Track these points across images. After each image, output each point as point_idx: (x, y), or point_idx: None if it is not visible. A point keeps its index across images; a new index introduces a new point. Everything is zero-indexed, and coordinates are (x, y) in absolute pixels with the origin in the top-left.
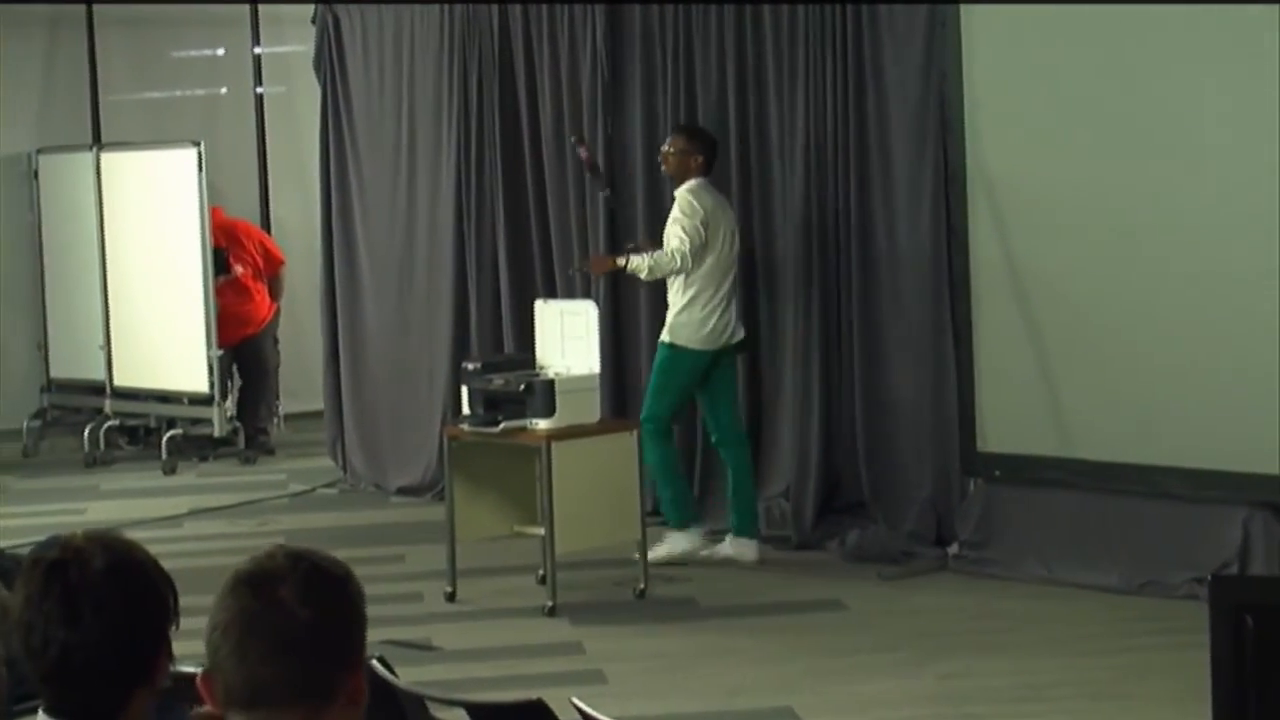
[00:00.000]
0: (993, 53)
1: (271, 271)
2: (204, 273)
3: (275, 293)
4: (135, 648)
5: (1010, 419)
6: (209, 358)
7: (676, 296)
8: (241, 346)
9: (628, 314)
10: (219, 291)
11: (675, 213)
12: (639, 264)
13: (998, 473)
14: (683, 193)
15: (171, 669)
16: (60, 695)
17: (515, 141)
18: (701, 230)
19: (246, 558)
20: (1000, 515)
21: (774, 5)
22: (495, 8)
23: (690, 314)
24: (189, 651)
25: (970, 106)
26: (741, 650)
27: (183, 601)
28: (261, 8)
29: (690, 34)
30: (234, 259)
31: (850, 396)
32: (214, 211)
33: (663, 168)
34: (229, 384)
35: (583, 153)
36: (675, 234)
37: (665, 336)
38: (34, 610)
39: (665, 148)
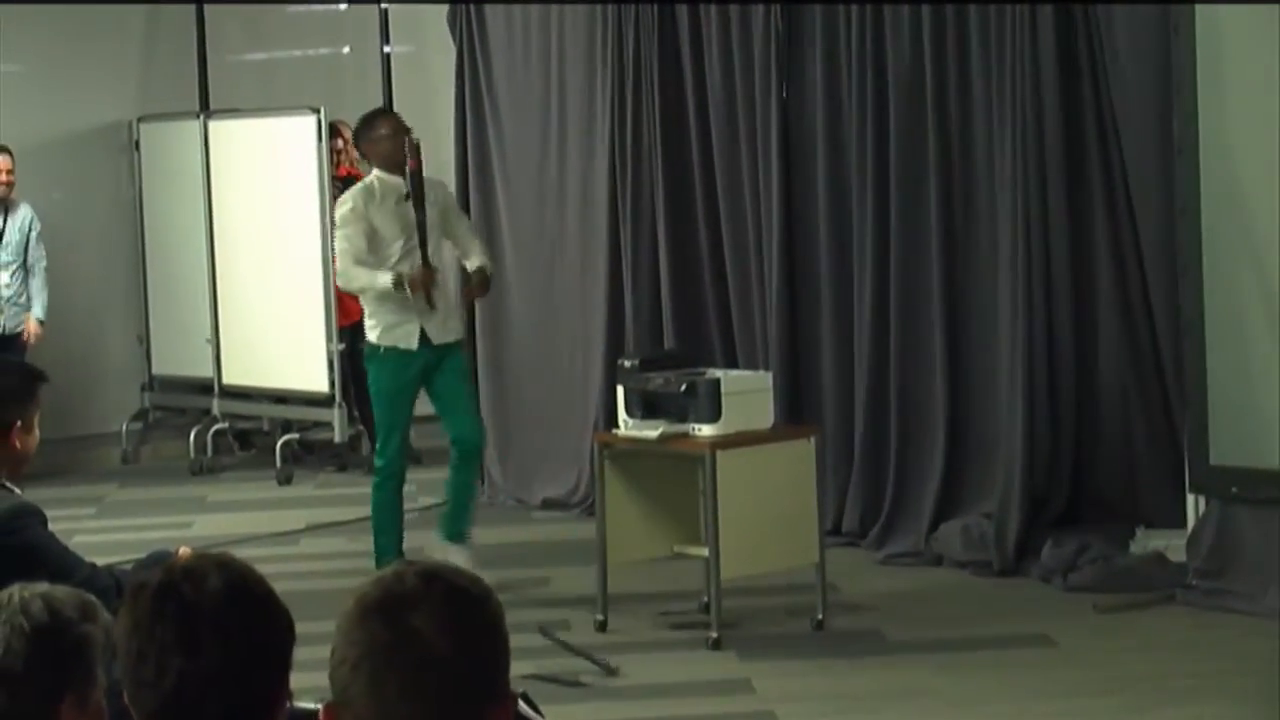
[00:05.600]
0: (1230, 16)
1: None
2: (324, 256)
3: None
4: (259, 679)
5: (1249, 427)
6: (329, 353)
7: (453, 289)
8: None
9: (806, 306)
10: None
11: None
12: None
13: (1234, 490)
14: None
15: (290, 705)
16: None
17: (678, 109)
18: None
19: (371, 579)
20: (1237, 540)
21: None
22: None
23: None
24: (303, 685)
25: (1203, 71)
26: (934, 691)
27: (298, 628)
28: None
29: None
30: None
31: (1059, 397)
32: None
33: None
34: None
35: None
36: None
37: (459, 334)
38: (144, 636)
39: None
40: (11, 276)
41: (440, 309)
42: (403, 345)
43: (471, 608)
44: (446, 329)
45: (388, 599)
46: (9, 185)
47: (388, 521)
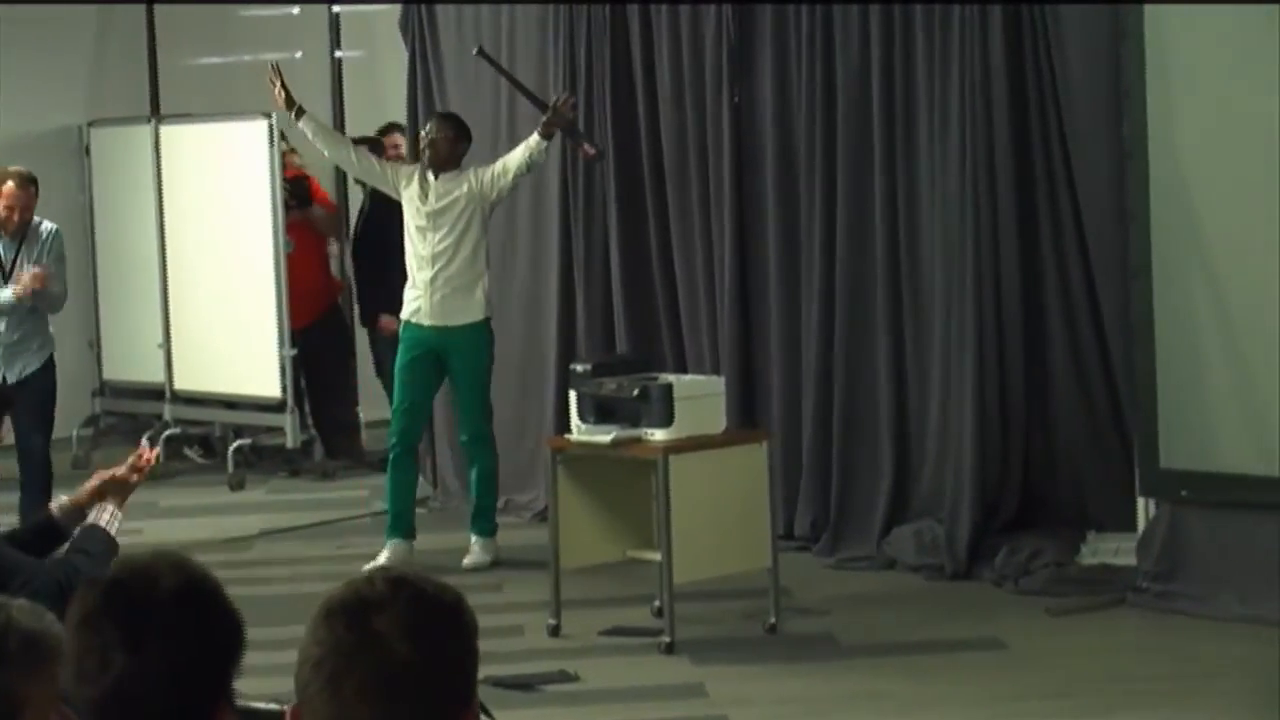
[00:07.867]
0: (1179, 21)
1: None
2: (275, 261)
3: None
4: (200, 683)
5: (1198, 430)
6: (281, 358)
7: (474, 266)
8: (315, 329)
9: (757, 311)
10: (290, 227)
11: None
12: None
13: (1184, 493)
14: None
15: (240, 704)
16: None
17: (629, 112)
18: None
19: (342, 583)
20: (1188, 543)
21: None
22: None
23: (488, 283)
24: (258, 690)
25: (1152, 75)
26: (888, 695)
27: (252, 634)
28: None
29: None
30: (316, 201)
31: (1008, 401)
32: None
33: (427, 154)
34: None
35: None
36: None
37: (481, 314)
38: (90, 631)
39: (432, 135)
40: (18, 318)
41: (440, 289)
42: (412, 320)
43: (438, 615)
44: (442, 310)
45: (354, 601)
46: (10, 211)
47: (390, 497)
